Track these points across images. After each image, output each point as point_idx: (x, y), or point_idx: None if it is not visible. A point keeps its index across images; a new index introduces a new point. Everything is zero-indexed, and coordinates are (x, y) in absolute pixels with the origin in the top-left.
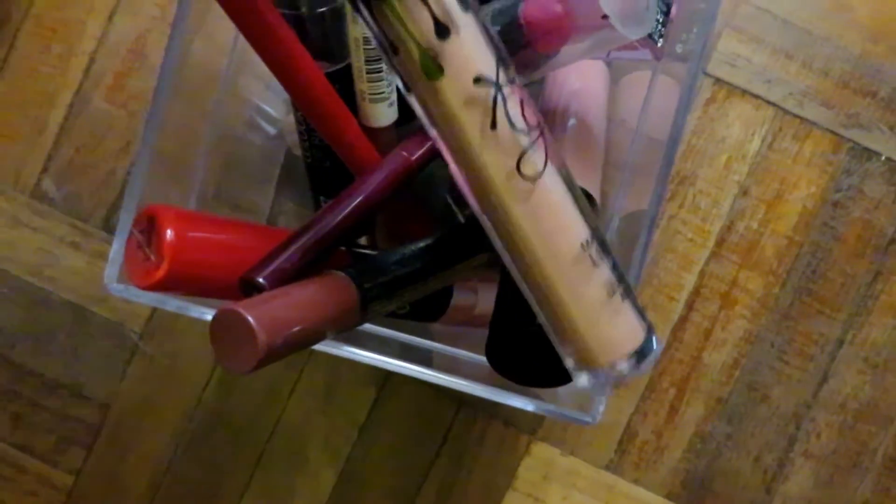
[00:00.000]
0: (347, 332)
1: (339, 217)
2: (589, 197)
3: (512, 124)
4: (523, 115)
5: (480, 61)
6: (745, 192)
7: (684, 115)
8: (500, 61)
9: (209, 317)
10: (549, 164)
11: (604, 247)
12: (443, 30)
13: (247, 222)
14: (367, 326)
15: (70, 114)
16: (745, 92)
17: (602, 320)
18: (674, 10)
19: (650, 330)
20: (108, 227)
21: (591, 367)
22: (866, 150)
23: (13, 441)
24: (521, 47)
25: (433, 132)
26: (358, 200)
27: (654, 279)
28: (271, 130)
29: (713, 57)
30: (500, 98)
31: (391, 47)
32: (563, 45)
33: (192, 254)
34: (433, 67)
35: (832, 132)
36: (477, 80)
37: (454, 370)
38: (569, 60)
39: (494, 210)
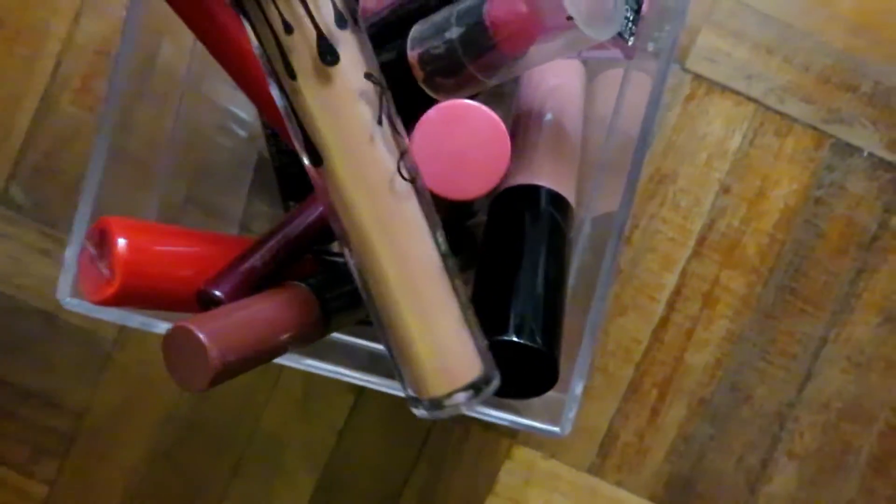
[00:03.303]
0: (310, 344)
1: (305, 223)
2: (562, 200)
3: (394, 125)
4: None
5: (368, 60)
6: (726, 190)
7: (653, 114)
8: (378, 73)
9: None
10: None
11: (453, 270)
12: (342, 19)
13: (206, 232)
14: (334, 335)
15: (36, 118)
16: (725, 88)
17: (445, 348)
18: (645, 7)
19: (489, 359)
20: None
21: (425, 396)
22: (848, 145)
23: None
24: (488, 49)
25: (315, 127)
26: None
27: (634, 279)
28: (242, 134)
29: (692, 52)
30: (385, 98)
31: (284, 26)
32: (530, 45)
33: (146, 267)
34: (331, 52)
35: (814, 128)
36: (368, 76)
37: None
38: (538, 61)
39: (367, 211)
